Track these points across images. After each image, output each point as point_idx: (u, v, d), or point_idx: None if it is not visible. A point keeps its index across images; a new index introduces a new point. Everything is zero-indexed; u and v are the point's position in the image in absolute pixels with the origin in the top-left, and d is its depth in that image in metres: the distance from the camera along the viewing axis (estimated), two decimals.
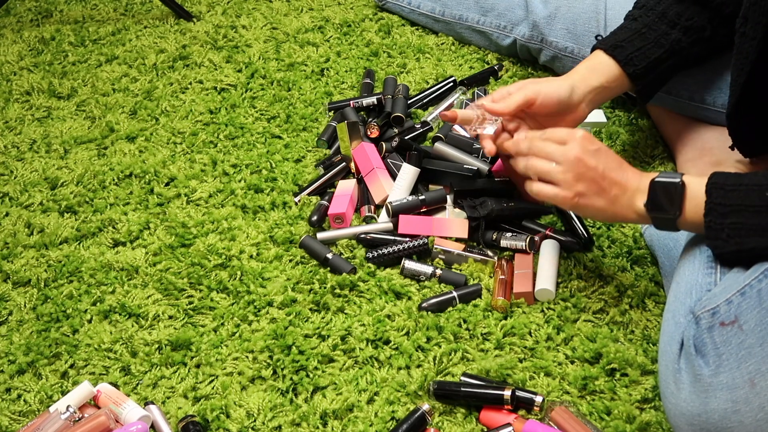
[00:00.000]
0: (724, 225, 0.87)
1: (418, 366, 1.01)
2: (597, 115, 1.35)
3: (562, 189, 0.96)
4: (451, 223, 1.16)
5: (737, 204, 0.86)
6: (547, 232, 1.14)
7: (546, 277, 1.07)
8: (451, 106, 1.38)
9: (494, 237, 1.13)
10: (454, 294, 1.08)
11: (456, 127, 1.31)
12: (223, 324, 1.08)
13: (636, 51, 1.11)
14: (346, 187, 1.23)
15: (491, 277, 1.11)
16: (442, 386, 0.96)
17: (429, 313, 1.06)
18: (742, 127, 1.08)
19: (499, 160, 1.21)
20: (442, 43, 1.57)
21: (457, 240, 1.15)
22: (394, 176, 1.23)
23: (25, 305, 1.13)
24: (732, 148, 1.12)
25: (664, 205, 0.91)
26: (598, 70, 1.12)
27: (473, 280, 1.11)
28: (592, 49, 1.14)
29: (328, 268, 1.14)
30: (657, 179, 0.92)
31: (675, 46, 1.12)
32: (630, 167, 0.96)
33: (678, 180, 0.90)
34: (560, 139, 0.97)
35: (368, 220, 1.20)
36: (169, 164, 1.34)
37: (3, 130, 1.45)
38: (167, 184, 1.31)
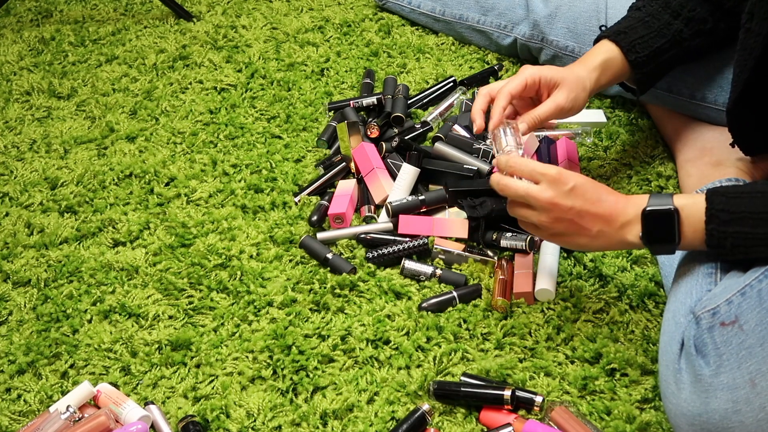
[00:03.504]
0: (727, 234, 0.85)
1: (418, 366, 1.01)
2: (597, 115, 1.35)
3: (540, 231, 0.95)
4: (451, 223, 1.16)
5: (741, 211, 0.84)
6: None
7: (546, 277, 1.07)
8: (451, 106, 1.38)
9: (494, 237, 1.13)
10: (454, 294, 1.07)
11: (456, 126, 1.31)
12: (223, 324, 1.08)
13: (639, 38, 1.11)
14: (346, 187, 1.23)
15: (491, 277, 1.11)
16: (442, 386, 0.96)
17: (429, 313, 1.06)
18: (742, 123, 1.08)
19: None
20: (442, 43, 1.57)
21: (457, 240, 1.15)
22: (394, 176, 1.23)
23: (25, 305, 1.13)
24: (732, 145, 1.11)
25: (662, 236, 0.89)
26: (609, 67, 1.11)
27: (473, 280, 1.11)
28: (597, 39, 1.14)
29: (328, 268, 1.14)
30: (648, 209, 0.88)
31: (677, 36, 1.12)
32: (611, 195, 0.91)
33: (670, 206, 0.87)
34: (533, 175, 0.92)
35: (368, 220, 1.20)
36: (169, 164, 1.34)
37: (3, 130, 1.45)
38: (167, 184, 1.31)
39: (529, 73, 1.07)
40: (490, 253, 1.13)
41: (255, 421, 0.96)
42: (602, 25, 1.21)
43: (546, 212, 0.92)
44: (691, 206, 0.88)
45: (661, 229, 0.89)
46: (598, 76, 1.10)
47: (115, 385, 1.01)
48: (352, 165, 1.27)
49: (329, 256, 1.14)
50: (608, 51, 1.11)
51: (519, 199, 0.94)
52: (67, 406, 0.95)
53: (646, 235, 0.89)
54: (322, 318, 1.07)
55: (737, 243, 0.85)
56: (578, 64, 1.11)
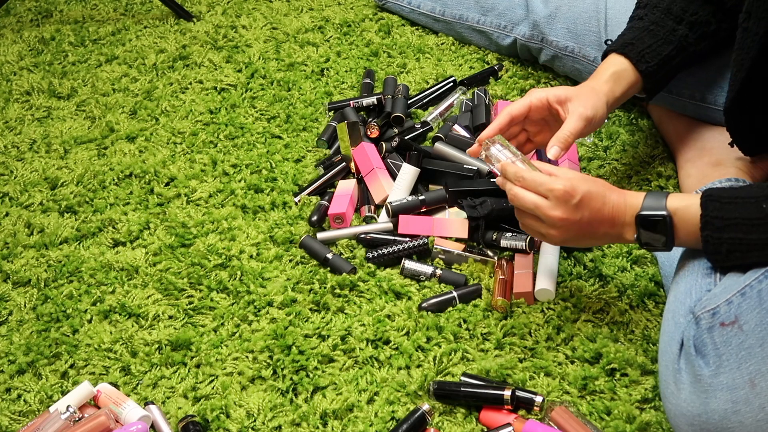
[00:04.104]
0: (722, 240, 0.86)
1: (418, 366, 1.01)
2: None
3: (546, 239, 0.96)
4: (451, 223, 1.16)
5: (734, 218, 0.85)
6: None
7: (546, 277, 1.07)
8: (451, 106, 1.38)
9: (494, 237, 1.13)
10: (454, 294, 1.07)
11: (456, 126, 1.31)
12: (223, 324, 1.08)
13: (647, 48, 1.09)
14: (346, 187, 1.23)
15: (491, 277, 1.11)
16: (442, 386, 0.96)
17: (429, 313, 1.06)
18: (740, 123, 1.08)
19: None
20: (442, 43, 1.57)
21: (457, 240, 1.15)
22: (394, 176, 1.23)
23: (25, 305, 1.13)
24: (732, 145, 1.11)
25: (654, 241, 0.90)
26: (622, 77, 1.09)
27: (473, 280, 1.11)
28: (603, 55, 1.12)
29: (328, 268, 1.14)
30: (642, 213, 0.89)
31: (683, 42, 1.11)
32: (613, 194, 0.92)
33: (663, 212, 0.88)
34: (540, 190, 0.92)
35: (368, 220, 1.20)
36: (169, 164, 1.34)
37: (3, 130, 1.45)
38: (167, 184, 1.31)
39: (535, 95, 1.05)
40: (490, 253, 1.13)
41: (255, 421, 0.96)
42: (607, 39, 1.20)
43: (555, 227, 0.93)
44: (686, 209, 0.88)
45: (654, 233, 0.90)
46: (612, 87, 1.08)
47: (115, 385, 1.01)
48: (352, 165, 1.27)
49: (329, 256, 1.14)
50: (618, 64, 1.10)
51: (528, 211, 0.94)
52: (67, 406, 0.95)
53: (639, 237, 0.91)
54: (322, 318, 1.07)
55: (733, 249, 0.86)
56: (589, 80, 1.10)
